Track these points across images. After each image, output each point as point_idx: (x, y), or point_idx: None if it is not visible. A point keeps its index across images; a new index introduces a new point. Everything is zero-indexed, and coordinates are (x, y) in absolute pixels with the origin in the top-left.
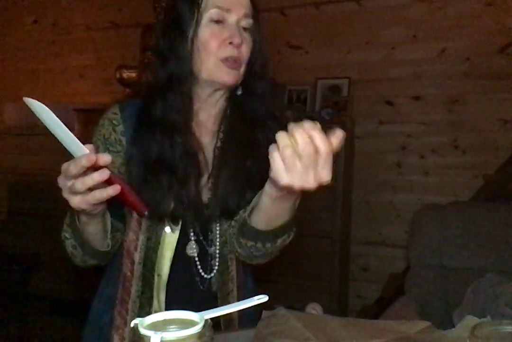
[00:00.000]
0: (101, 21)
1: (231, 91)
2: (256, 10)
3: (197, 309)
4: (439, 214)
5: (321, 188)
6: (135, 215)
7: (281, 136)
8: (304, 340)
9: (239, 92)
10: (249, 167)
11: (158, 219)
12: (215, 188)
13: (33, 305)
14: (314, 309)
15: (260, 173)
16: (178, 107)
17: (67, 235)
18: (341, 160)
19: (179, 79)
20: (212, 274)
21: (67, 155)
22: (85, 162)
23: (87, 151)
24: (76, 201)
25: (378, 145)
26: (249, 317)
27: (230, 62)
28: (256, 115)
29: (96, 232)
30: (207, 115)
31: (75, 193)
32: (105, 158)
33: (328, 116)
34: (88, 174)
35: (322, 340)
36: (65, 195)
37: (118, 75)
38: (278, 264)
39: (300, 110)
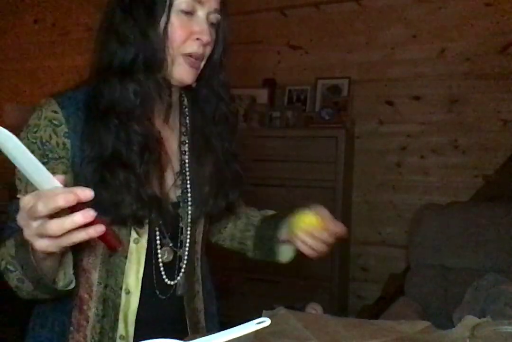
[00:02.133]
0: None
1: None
2: (225, 5)
3: (166, 321)
4: (439, 214)
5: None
6: None
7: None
8: (305, 340)
9: (194, 84)
10: (218, 164)
11: (121, 222)
12: (187, 186)
13: (33, 305)
14: (314, 309)
15: (235, 168)
16: (138, 93)
17: (10, 268)
18: (341, 160)
19: (147, 64)
20: (177, 280)
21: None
22: (61, 203)
23: (59, 184)
24: (43, 244)
25: (378, 145)
26: (213, 318)
27: (192, 59)
28: (210, 110)
29: (50, 267)
30: (162, 106)
31: (44, 235)
32: (86, 193)
33: (328, 116)
34: (61, 212)
35: (322, 340)
36: (29, 237)
37: None
38: (278, 264)
39: (300, 110)
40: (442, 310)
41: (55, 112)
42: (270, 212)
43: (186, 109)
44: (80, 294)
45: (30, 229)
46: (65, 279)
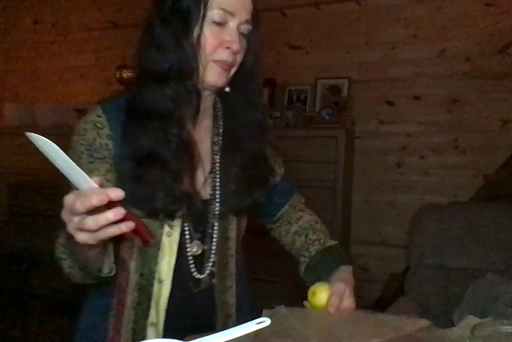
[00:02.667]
0: (101, 21)
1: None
2: (257, 16)
3: (195, 312)
4: (439, 214)
5: None
6: None
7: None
8: (305, 340)
9: (227, 89)
10: (245, 164)
11: (154, 215)
12: (216, 184)
13: (33, 305)
14: None
15: (262, 169)
16: (174, 98)
17: (63, 256)
18: (341, 160)
19: (180, 72)
20: (207, 273)
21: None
22: (95, 202)
23: (95, 185)
24: (84, 237)
25: (378, 145)
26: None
27: (223, 64)
28: (242, 114)
29: (94, 257)
30: (193, 110)
31: (83, 229)
32: (117, 193)
33: (328, 116)
34: (96, 209)
35: (323, 339)
36: (71, 230)
37: (118, 75)
38: (278, 264)
39: (300, 110)
40: (442, 310)
41: (99, 116)
42: (329, 243)
43: (220, 113)
44: (118, 282)
45: (71, 223)
46: (107, 267)
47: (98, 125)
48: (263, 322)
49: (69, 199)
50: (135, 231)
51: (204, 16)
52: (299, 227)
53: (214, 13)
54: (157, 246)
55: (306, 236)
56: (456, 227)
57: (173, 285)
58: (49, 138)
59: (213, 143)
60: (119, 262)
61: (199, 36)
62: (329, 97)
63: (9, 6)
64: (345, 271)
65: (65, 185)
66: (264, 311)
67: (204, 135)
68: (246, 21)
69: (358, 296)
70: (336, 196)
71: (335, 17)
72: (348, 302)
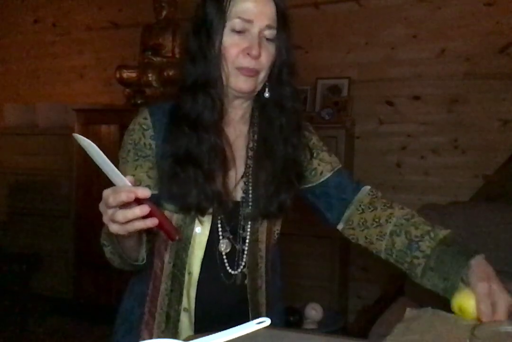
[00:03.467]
0: (101, 21)
1: (257, 94)
2: (285, 20)
3: (226, 304)
4: (439, 214)
5: None
6: None
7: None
8: None
9: (267, 94)
10: (281, 169)
11: (186, 210)
12: (249, 187)
13: (33, 305)
14: (314, 309)
15: (290, 175)
16: (205, 107)
17: (105, 243)
18: (341, 160)
19: (206, 82)
20: (239, 270)
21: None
22: (124, 198)
23: (128, 182)
24: (115, 228)
25: (378, 145)
26: (277, 315)
27: (246, 71)
28: (276, 119)
29: (131, 246)
30: (235, 116)
31: (114, 221)
32: (144, 192)
33: (328, 116)
34: (128, 204)
35: None
36: (105, 221)
37: (118, 75)
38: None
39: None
40: (442, 310)
41: (145, 118)
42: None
43: (256, 119)
44: (154, 270)
45: (106, 215)
46: (140, 257)
47: (144, 126)
48: (263, 322)
49: (105, 193)
50: (161, 228)
51: (224, 26)
52: (394, 226)
53: (233, 22)
54: (188, 240)
55: (408, 234)
56: (456, 227)
57: (205, 277)
58: (49, 138)
59: (249, 148)
60: (156, 252)
61: (221, 45)
62: (329, 97)
63: (9, 6)
64: (480, 264)
65: (64, 186)
66: (408, 310)
67: (240, 141)
68: (268, 27)
69: (358, 296)
70: None
71: (335, 17)
72: (502, 303)
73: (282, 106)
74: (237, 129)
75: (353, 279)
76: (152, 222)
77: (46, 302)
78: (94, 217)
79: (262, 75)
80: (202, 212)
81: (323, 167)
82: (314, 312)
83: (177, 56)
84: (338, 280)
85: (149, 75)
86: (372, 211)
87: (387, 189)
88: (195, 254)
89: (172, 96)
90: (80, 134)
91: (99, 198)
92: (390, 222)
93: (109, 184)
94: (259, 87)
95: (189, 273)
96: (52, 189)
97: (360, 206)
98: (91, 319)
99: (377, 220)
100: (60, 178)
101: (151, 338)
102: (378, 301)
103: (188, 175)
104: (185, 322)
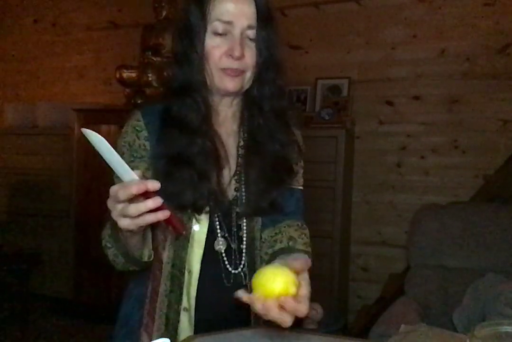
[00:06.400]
0: (101, 21)
1: (245, 92)
2: (266, 19)
3: (226, 304)
4: (439, 214)
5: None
6: None
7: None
8: None
9: (255, 92)
10: (271, 166)
11: (182, 209)
12: (241, 186)
13: (33, 305)
14: (314, 309)
15: (280, 172)
16: (191, 110)
17: (108, 245)
18: (341, 160)
19: (191, 85)
20: (239, 269)
21: (113, 176)
22: (135, 191)
23: (136, 177)
24: (126, 223)
25: (378, 145)
26: None
27: (231, 71)
28: (261, 119)
29: (137, 243)
30: (225, 116)
31: (125, 216)
32: (154, 184)
33: (328, 116)
34: (136, 198)
35: None
36: (115, 216)
37: (118, 75)
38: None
39: (300, 110)
40: (442, 310)
41: (138, 120)
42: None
43: (247, 118)
44: (153, 271)
45: (115, 210)
46: (147, 253)
47: (137, 128)
48: None
49: (113, 189)
50: (169, 222)
51: (206, 30)
52: (283, 242)
53: (214, 25)
54: (187, 238)
55: (281, 242)
56: (456, 227)
57: (205, 276)
58: (49, 138)
59: (239, 146)
60: (154, 253)
61: (202, 48)
62: (329, 97)
63: (9, 6)
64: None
65: (64, 186)
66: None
67: (231, 139)
68: (250, 27)
69: (358, 296)
70: (336, 196)
71: (335, 17)
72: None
73: (261, 105)
74: (229, 128)
75: (353, 279)
76: (164, 215)
77: (46, 302)
78: (94, 217)
79: (249, 74)
80: (198, 210)
81: (299, 179)
82: (314, 312)
83: None
84: (338, 280)
85: (149, 75)
86: (290, 230)
87: (387, 189)
88: (195, 252)
89: (163, 97)
90: (80, 134)
91: (99, 198)
92: (282, 242)
93: (109, 183)
94: (247, 85)
95: (189, 272)
96: (52, 189)
97: (283, 227)
98: (91, 319)
99: (281, 237)
100: (60, 178)
101: (150, 340)
102: (378, 301)
103: (182, 174)
104: (185, 323)
